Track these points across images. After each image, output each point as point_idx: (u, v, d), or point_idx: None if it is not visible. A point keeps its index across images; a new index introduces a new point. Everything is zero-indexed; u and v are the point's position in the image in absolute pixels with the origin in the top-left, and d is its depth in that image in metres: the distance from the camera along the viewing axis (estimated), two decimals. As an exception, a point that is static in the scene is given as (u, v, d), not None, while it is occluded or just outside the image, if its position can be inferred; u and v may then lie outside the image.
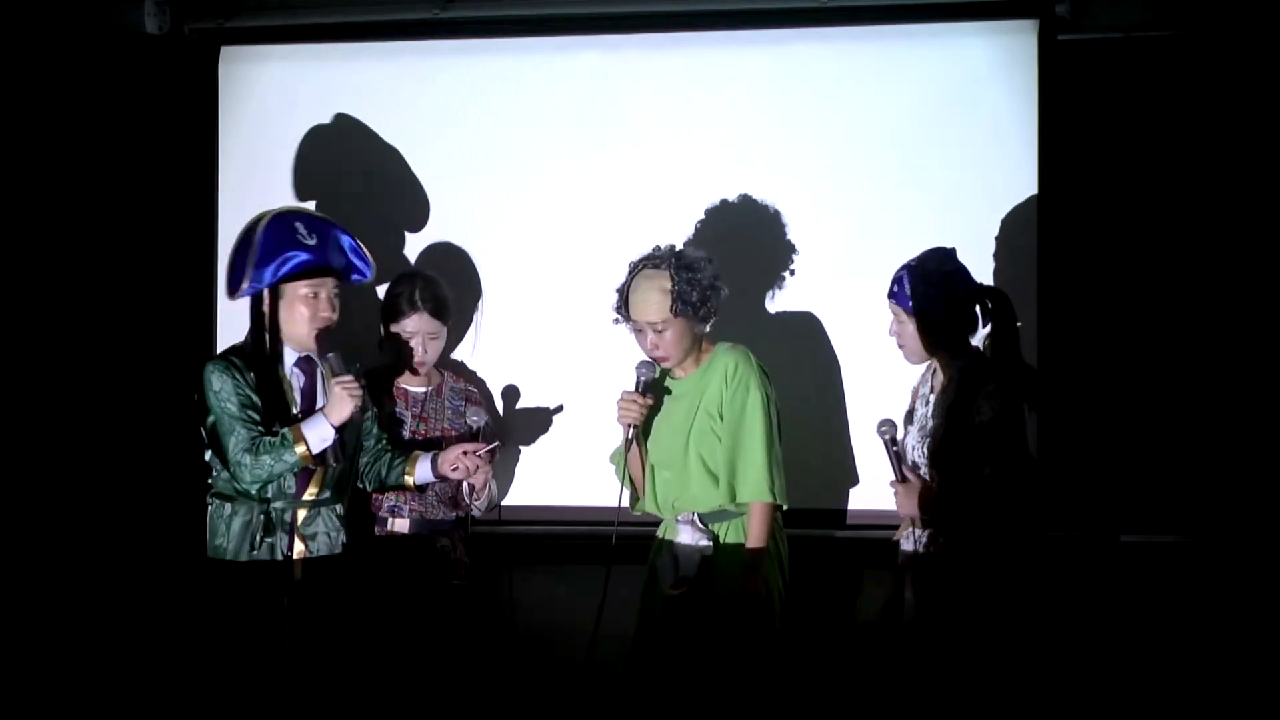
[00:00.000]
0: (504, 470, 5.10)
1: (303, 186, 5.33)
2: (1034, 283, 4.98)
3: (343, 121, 5.39)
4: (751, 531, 4.44)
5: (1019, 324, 4.26)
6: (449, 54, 5.39)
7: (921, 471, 4.26)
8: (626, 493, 4.62)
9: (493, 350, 5.28)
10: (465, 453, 4.58)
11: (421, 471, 4.62)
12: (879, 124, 5.13)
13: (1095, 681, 4.96)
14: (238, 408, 4.27)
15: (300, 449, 4.26)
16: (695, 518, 4.50)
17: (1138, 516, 5.02)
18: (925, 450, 4.24)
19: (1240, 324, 5.01)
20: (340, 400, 4.30)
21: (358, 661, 4.51)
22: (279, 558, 4.32)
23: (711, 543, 4.47)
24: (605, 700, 4.61)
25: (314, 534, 4.38)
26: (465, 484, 4.73)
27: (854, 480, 5.08)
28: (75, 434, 5.55)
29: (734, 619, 4.39)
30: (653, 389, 4.51)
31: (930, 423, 4.25)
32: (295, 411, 4.36)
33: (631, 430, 4.48)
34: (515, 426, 5.22)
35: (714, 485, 4.47)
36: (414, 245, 5.20)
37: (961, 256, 4.84)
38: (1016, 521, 4.17)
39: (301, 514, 4.37)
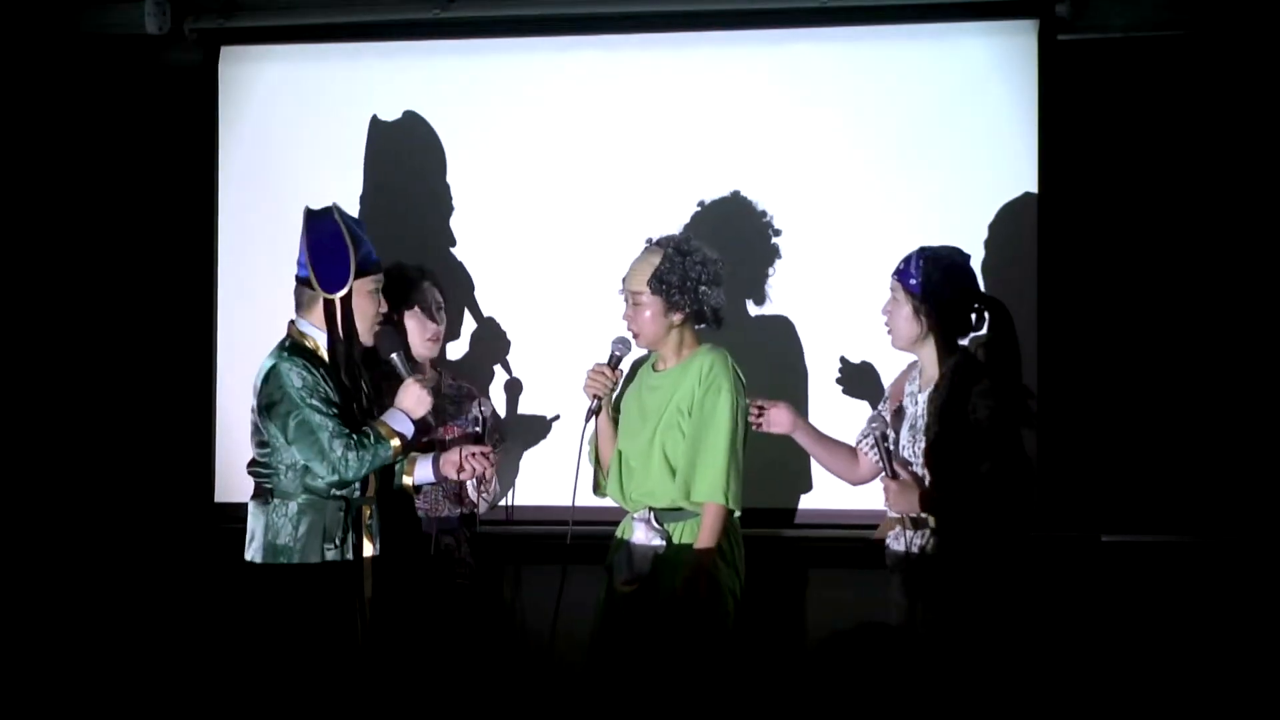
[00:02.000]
0: (505, 469, 5.10)
1: (302, 186, 5.30)
2: (1034, 283, 4.98)
3: (343, 121, 5.38)
4: (702, 532, 4.45)
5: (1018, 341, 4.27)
6: (450, 54, 5.39)
7: (914, 468, 4.26)
8: (591, 475, 4.65)
9: (491, 349, 5.29)
10: (472, 455, 4.55)
11: (421, 473, 4.59)
12: (878, 124, 5.12)
13: (1088, 683, 4.96)
14: (324, 404, 4.22)
15: (395, 443, 4.25)
16: (651, 516, 4.51)
17: (1125, 517, 5.03)
18: (919, 448, 4.25)
19: (1241, 324, 5.01)
20: (420, 397, 4.30)
21: (362, 660, 4.50)
22: (349, 557, 4.28)
23: (664, 541, 4.49)
24: (573, 698, 4.61)
25: (376, 532, 4.37)
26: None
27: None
28: (76, 434, 5.56)
29: (682, 618, 4.41)
30: (622, 365, 4.56)
31: (923, 420, 4.25)
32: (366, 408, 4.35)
33: (596, 402, 4.52)
34: (515, 425, 5.23)
35: (671, 480, 4.49)
36: (413, 243, 5.19)
37: (961, 257, 4.86)
38: (1015, 519, 4.17)
39: (367, 511, 4.36)
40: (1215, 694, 4.87)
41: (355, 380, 4.34)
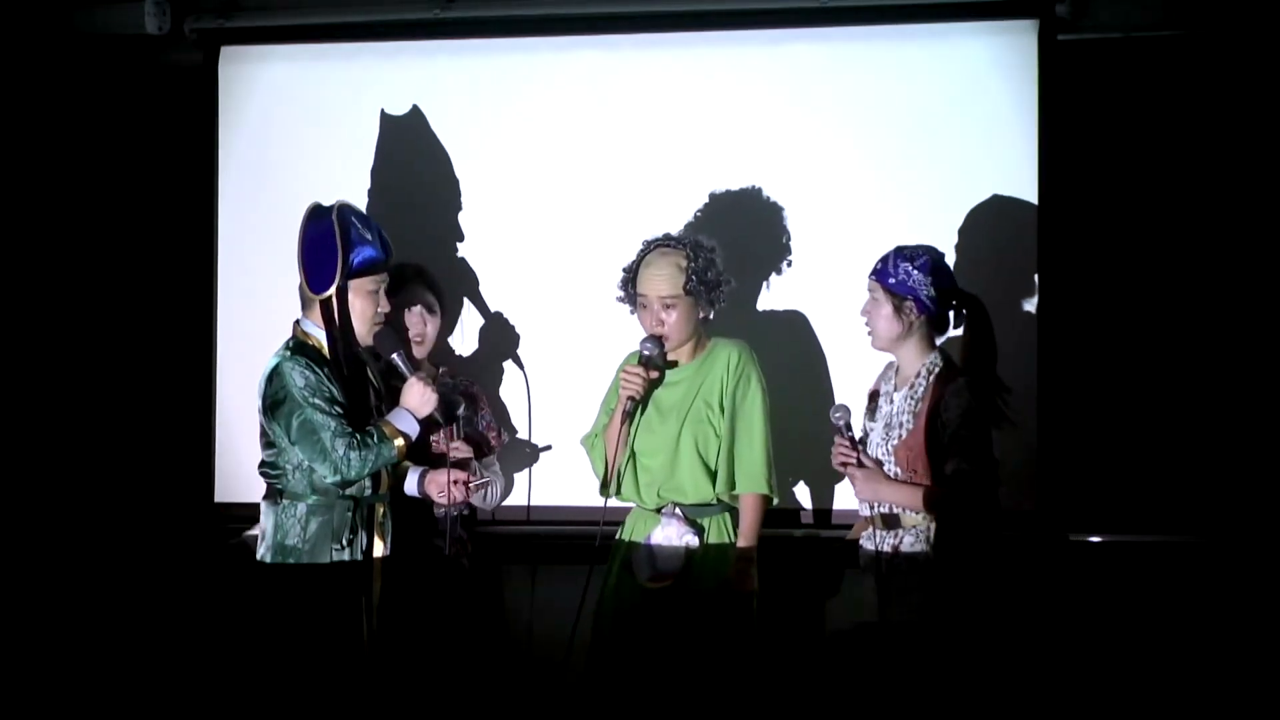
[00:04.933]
0: (504, 469, 5.09)
1: (303, 186, 5.30)
2: (1034, 283, 4.98)
3: (343, 121, 5.39)
4: (744, 524, 4.47)
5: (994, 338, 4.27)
6: (450, 54, 5.40)
7: (886, 468, 4.27)
8: (604, 475, 4.59)
9: (491, 349, 5.29)
10: (456, 482, 4.53)
11: (408, 484, 4.58)
12: (878, 124, 5.12)
13: (1063, 683, 4.96)
14: (326, 403, 4.20)
15: (399, 442, 4.24)
16: (680, 512, 4.50)
17: (1124, 517, 5.03)
18: (891, 445, 4.25)
19: (1242, 325, 5.01)
20: (424, 395, 4.29)
21: (359, 656, 4.49)
22: (359, 557, 4.27)
23: (697, 538, 4.48)
24: (594, 698, 4.61)
25: (388, 530, 4.36)
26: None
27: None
28: (76, 434, 5.57)
29: (715, 615, 4.40)
30: (654, 365, 4.50)
31: (896, 419, 4.26)
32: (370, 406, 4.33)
33: (630, 404, 4.48)
34: (511, 425, 5.23)
35: (703, 474, 4.49)
36: (413, 243, 5.19)
37: (961, 257, 4.87)
38: (979, 518, 4.17)
39: (380, 510, 4.35)
40: (1206, 694, 4.88)
41: (360, 379, 4.33)
